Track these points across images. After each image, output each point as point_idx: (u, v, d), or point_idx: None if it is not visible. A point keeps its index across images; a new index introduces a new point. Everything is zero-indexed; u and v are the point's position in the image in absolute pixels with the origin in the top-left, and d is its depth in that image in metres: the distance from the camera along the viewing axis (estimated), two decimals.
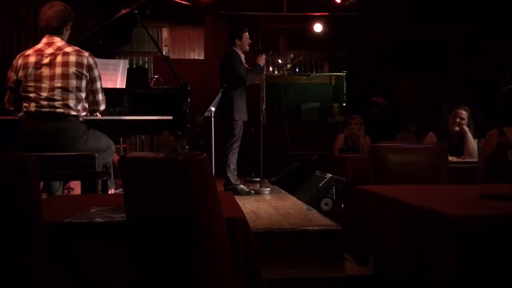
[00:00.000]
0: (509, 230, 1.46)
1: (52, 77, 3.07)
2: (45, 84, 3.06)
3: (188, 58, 8.75)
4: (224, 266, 1.29)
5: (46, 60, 3.08)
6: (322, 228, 3.15)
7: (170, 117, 3.76)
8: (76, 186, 4.06)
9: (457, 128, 4.28)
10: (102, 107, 3.30)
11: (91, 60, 3.17)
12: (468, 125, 4.28)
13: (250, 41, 5.20)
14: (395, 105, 8.15)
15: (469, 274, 1.45)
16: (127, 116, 3.69)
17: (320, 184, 4.80)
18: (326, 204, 4.61)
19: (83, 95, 3.16)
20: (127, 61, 4.05)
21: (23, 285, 1.39)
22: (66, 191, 4.10)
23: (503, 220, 1.50)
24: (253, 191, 5.04)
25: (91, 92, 3.21)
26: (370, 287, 2.67)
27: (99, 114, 3.46)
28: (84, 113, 3.22)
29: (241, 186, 5.09)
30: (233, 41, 5.18)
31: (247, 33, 5.16)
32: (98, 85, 3.22)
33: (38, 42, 3.26)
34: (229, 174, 5.01)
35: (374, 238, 2.09)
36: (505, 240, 1.45)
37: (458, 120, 4.29)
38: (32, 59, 3.09)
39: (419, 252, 1.64)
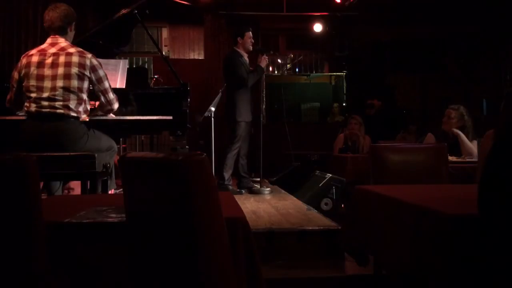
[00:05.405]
0: (508, 230, 1.46)
1: (54, 77, 3.06)
2: (47, 84, 3.06)
3: (188, 58, 8.75)
4: (224, 266, 1.29)
5: (49, 60, 3.09)
6: (322, 228, 3.15)
7: (170, 117, 3.76)
8: (76, 186, 4.06)
9: (446, 128, 4.30)
10: (116, 105, 3.30)
11: (94, 61, 3.15)
12: (463, 125, 4.28)
13: (253, 41, 5.21)
14: (391, 106, 8.15)
15: (468, 274, 1.45)
16: (127, 116, 3.68)
17: (320, 184, 4.80)
18: (326, 204, 4.61)
19: (85, 96, 3.15)
20: (127, 61, 4.04)
21: (23, 286, 1.39)
22: (66, 191, 4.10)
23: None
24: (243, 191, 5.10)
25: (100, 93, 3.19)
26: (370, 287, 2.67)
27: (112, 114, 3.45)
28: (84, 115, 3.21)
29: (231, 187, 5.12)
30: (235, 40, 5.20)
31: (250, 33, 5.16)
32: (106, 84, 3.21)
33: (39, 41, 3.27)
34: (224, 173, 5.06)
35: (374, 238, 2.09)
36: (505, 240, 1.45)
37: (446, 119, 4.32)
38: (35, 58, 3.10)
39: (419, 252, 1.64)
